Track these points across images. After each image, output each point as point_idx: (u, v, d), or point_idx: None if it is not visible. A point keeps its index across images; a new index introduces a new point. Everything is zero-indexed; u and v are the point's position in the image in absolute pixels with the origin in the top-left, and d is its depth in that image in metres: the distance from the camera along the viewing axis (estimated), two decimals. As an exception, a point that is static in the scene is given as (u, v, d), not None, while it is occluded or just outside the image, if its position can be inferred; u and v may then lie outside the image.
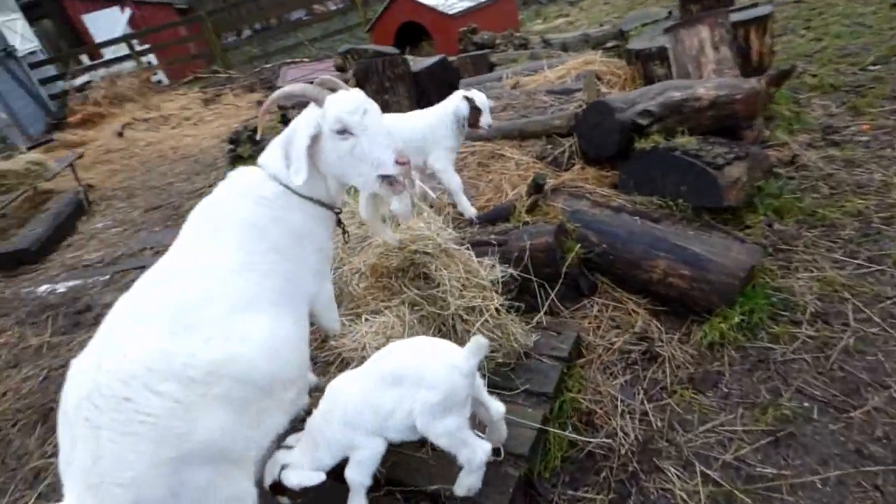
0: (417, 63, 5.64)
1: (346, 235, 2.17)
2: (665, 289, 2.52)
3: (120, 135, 9.94)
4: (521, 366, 2.26)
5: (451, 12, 7.31)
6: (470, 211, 2.95)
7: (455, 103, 2.88)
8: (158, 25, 15.60)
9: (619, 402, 2.23)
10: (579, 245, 2.61)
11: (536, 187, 2.80)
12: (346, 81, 5.47)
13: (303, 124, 1.84)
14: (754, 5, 4.25)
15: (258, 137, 2.17)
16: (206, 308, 1.58)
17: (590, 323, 2.57)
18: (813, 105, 4.18)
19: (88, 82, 12.95)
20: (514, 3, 8.98)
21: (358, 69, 5.20)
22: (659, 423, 2.15)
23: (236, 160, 6.74)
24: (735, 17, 3.84)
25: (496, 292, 2.36)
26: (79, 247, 5.97)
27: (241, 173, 1.96)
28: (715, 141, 2.99)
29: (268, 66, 12.83)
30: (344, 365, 2.21)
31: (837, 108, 4.07)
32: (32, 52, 13.17)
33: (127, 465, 1.31)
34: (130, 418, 1.33)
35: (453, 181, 2.95)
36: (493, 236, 2.66)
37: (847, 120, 3.88)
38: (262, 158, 1.95)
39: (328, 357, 2.33)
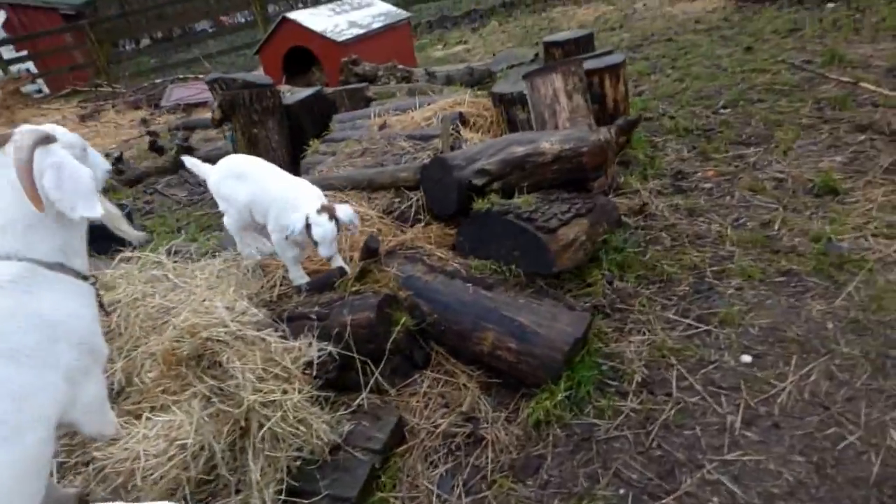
0: (293, 94, 5.37)
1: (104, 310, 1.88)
2: (495, 361, 2.40)
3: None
4: (329, 464, 2.04)
5: (339, 39, 7.07)
6: (300, 280, 2.70)
7: (291, 220, 2.47)
8: (38, 31, 14.32)
9: (434, 498, 2.07)
10: (409, 316, 2.45)
11: (369, 251, 2.61)
12: (212, 112, 5.11)
13: None
14: (609, 52, 4.34)
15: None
16: None
17: (417, 402, 2.40)
18: (667, 149, 4.30)
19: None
20: (408, 30, 8.87)
21: (223, 100, 4.85)
22: (473, 520, 2.01)
23: (97, 191, 6.13)
24: (589, 64, 3.88)
25: (306, 378, 2.14)
26: None
27: None
28: (558, 197, 2.94)
29: (158, 81, 12.01)
30: (105, 484, 1.88)
31: (689, 152, 4.21)
32: None
33: None
34: None
35: (287, 255, 2.70)
36: (316, 308, 2.44)
37: (696, 166, 4.01)
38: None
39: (88, 461, 1.99)
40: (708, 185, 3.74)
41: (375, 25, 8.17)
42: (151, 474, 1.86)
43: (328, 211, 2.44)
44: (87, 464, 2.01)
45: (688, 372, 2.42)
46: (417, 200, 3.11)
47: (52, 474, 1.93)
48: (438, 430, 2.28)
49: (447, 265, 2.68)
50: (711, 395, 2.32)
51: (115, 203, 2.30)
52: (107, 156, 6.46)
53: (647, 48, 7.42)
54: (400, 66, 6.56)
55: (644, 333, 2.64)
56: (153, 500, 1.87)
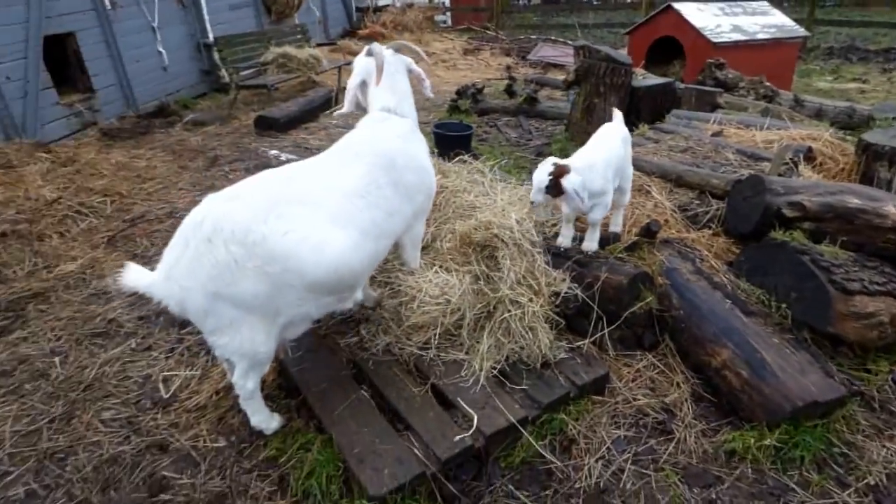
0: (644, 78, 5.57)
1: None
2: (718, 378, 2.42)
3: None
4: (535, 371, 2.43)
5: (714, 39, 6.84)
6: (592, 246, 2.83)
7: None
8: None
9: (605, 449, 2.29)
10: (656, 300, 2.61)
11: (648, 232, 2.80)
12: (566, 73, 5.66)
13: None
14: None
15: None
16: (305, 209, 2.09)
17: (628, 373, 2.59)
18: None
19: (386, 6, 14.95)
20: (795, 50, 7.98)
21: (580, 66, 5.36)
22: (628, 486, 2.18)
23: (454, 110, 7.44)
24: None
25: (548, 301, 2.53)
26: (311, 132, 7.30)
27: (382, 116, 2.45)
28: (879, 267, 2.62)
29: (533, 37, 13.35)
30: (395, 292, 2.65)
31: None
32: (359, -31, 15.58)
33: (188, 277, 1.92)
34: (204, 253, 1.91)
35: (597, 215, 2.82)
36: (577, 254, 2.78)
37: None
38: (386, 104, 2.44)
39: (390, 279, 2.79)
40: None
41: (760, 36, 7.62)
42: (423, 306, 2.52)
43: (559, 171, 2.56)
44: (388, 283, 2.80)
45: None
46: (717, 210, 3.12)
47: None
48: (635, 404, 2.46)
49: (715, 275, 2.71)
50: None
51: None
52: (472, 86, 7.73)
53: None
54: (766, 84, 6.10)
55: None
56: (413, 324, 2.56)
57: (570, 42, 12.45)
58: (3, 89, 6.05)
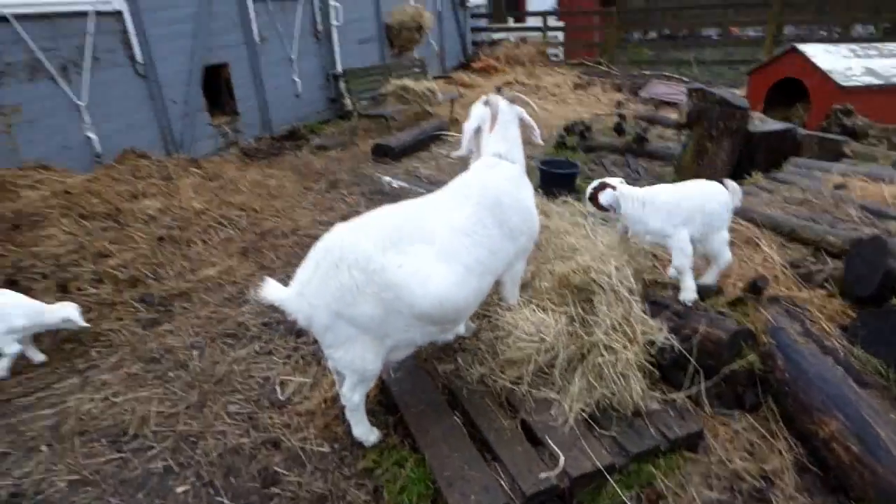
0: (762, 123, 5.35)
1: None
2: (825, 450, 2.30)
3: (498, 90, 11.76)
4: (625, 419, 2.46)
5: (843, 83, 6.38)
6: (689, 295, 2.86)
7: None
8: (576, 10, 17.28)
9: (694, 508, 2.27)
10: (760, 359, 2.54)
11: (754, 288, 2.73)
12: (679, 114, 5.58)
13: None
14: None
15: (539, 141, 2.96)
16: (418, 245, 2.32)
17: (725, 433, 2.53)
18: None
19: (501, 40, 15.42)
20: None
21: (693, 108, 5.27)
22: (714, 550, 2.14)
23: (561, 146, 7.53)
24: None
25: (643, 350, 2.55)
26: (422, 161, 7.73)
27: (492, 161, 2.65)
28: None
29: (646, 72, 13.14)
30: (493, 327, 2.79)
31: None
32: (478, 6, 16.25)
33: (316, 296, 2.20)
34: (331, 276, 2.18)
35: (677, 261, 2.92)
36: (676, 304, 2.77)
37: None
38: (496, 149, 2.63)
39: (488, 313, 2.94)
40: None
41: (896, 80, 6.98)
42: (518, 342, 2.65)
43: (601, 186, 3.05)
44: (486, 317, 2.96)
45: None
46: (833, 269, 2.96)
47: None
48: (730, 467, 2.40)
49: (826, 339, 2.58)
50: None
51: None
52: (580, 123, 7.79)
53: None
54: (903, 133, 5.60)
55: None
56: (508, 358, 2.69)
57: (684, 79, 12.12)
58: (169, 111, 7.06)
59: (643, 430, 2.42)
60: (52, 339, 3.65)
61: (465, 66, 14.39)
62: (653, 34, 21.42)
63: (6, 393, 3.23)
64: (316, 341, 3.54)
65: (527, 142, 2.92)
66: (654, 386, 2.61)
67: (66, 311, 3.40)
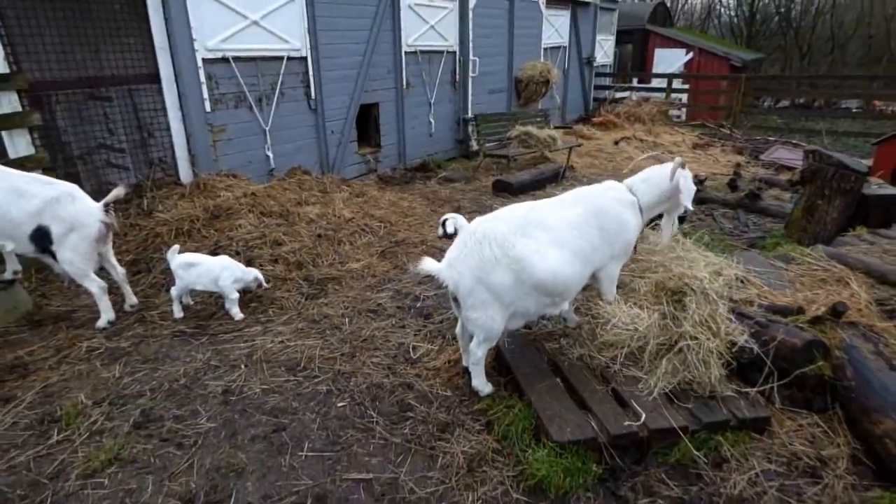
0: (880, 188, 5.49)
1: None
2: (879, 445, 2.62)
3: (616, 143, 12.34)
4: (700, 399, 2.94)
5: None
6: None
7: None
8: (703, 74, 17.53)
9: (753, 473, 2.68)
10: (831, 369, 2.90)
11: (834, 311, 3.10)
12: (793, 173, 5.85)
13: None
14: None
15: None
16: (539, 231, 3.05)
17: (790, 423, 2.90)
18: None
19: (623, 98, 16.04)
20: None
21: (808, 168, 5.57)
22: (769, 506, 2.54)
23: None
24: None
25: (724, 345, 3.02)
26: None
27: (617, 185, 3.35)
28: None
29: (771, 138, 13.05)
30: (593, 315, 3.41)
31: None
32: (604, 65, 17.09)
33: (463, 265, 2.96)
34: (475, 250, 2.95)
35: None
36: (760, 317, 3.21)
37: None
38: (628, 183, 3.31)
39: (590, 309, 3.55)
40: None
41: None
42: (614, 329, 3.24)
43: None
44: (588, 312, 3.58)
45: None
46: (919, 309, 3.23)
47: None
48: (790, 447, 2.79)
49: (897, 360, 2.89)
50: None
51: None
52: (693, 176, 8.13)
53: None
54: None
55: None
56: (605, 341, 3.28)
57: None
58: (328, 139, 8.47)
59: (716, 407, 2.88)
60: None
61: (584, 119, 15.16)
62: (784, 102, 20.92)
63: (214, 330, 4.32)
64: (441, 321, 4.37)
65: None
66: (730, 380, 3.06)
67: (256, 273, 4.52)
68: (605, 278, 3.39)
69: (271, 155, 7.68)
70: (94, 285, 4.13)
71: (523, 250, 2.95)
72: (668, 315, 3.18)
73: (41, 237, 3.90)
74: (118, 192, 4.11)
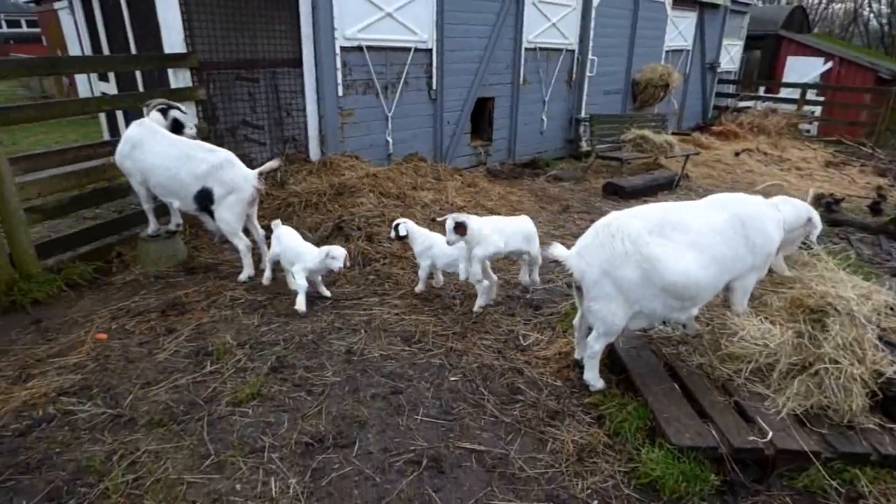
0: None
1: None
2: None
3: (736, 155, 11.62)
4: (836, 427, 2.77)
5: None
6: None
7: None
8: (844, 85, 15.98)
9: (891, 513, 2.50)
10: None
11: None
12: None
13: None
14: None
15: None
16: (676, 233, 3.00)
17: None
18: None
19: (747, 108, 15.03)
20: None
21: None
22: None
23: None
24: None
25: (870, 374, 2.82)
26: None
27: (765, 201, 3.23)
28: None
29: (923, 161, 11.70)
30: (718, 325, 3.29)
31: None
32: (728, 71, 16.10)
33: (592, 256, 2.99)
34: (606, 243, 2.95)
35: None
36: (914, 349, 2.96)
37: None
38: (775, 201, 3.22)
39: (712, 320, 3.44)
40: None
41: None
42: (741, 342, 3.12)
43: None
44: (711, 322, 3.47)
45: None
46: None
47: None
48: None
49: None
50: None
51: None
52: (829, 195, 7.53)
53: None
54: None
55: None
56: (729, 353, 3.17)
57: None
58: (444, 129, 8.71)
59: (854, 439, 2.71)
60: (360, 272, 5.07)
61: (702, 127, 14.39)
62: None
63: (337, 298, 4.64)
64: (551, 314, 4.41)
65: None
66: (873, 412, 2.85)
67: (336, 266, 4.22)
68: (739, 288, 3.26)
69: (391, 140, 8.03)
70: (242, 243, 4.58)
71: (657, 250, 2.92)
72: (806, 334, 3.02)
73: (204, 197, 4.39)
74: (273, 164, 4.52)
